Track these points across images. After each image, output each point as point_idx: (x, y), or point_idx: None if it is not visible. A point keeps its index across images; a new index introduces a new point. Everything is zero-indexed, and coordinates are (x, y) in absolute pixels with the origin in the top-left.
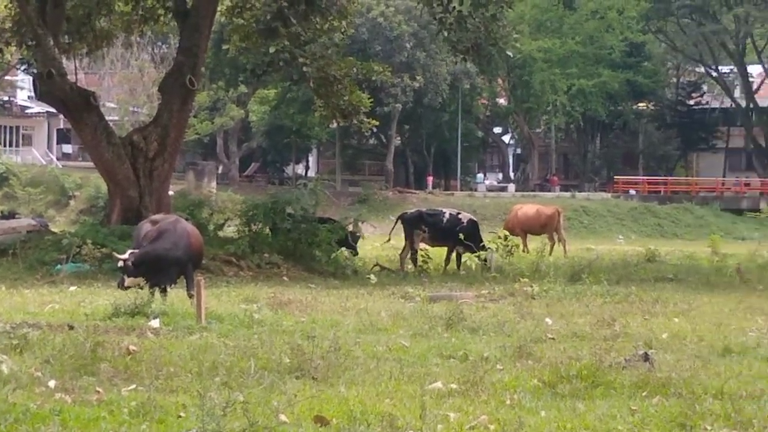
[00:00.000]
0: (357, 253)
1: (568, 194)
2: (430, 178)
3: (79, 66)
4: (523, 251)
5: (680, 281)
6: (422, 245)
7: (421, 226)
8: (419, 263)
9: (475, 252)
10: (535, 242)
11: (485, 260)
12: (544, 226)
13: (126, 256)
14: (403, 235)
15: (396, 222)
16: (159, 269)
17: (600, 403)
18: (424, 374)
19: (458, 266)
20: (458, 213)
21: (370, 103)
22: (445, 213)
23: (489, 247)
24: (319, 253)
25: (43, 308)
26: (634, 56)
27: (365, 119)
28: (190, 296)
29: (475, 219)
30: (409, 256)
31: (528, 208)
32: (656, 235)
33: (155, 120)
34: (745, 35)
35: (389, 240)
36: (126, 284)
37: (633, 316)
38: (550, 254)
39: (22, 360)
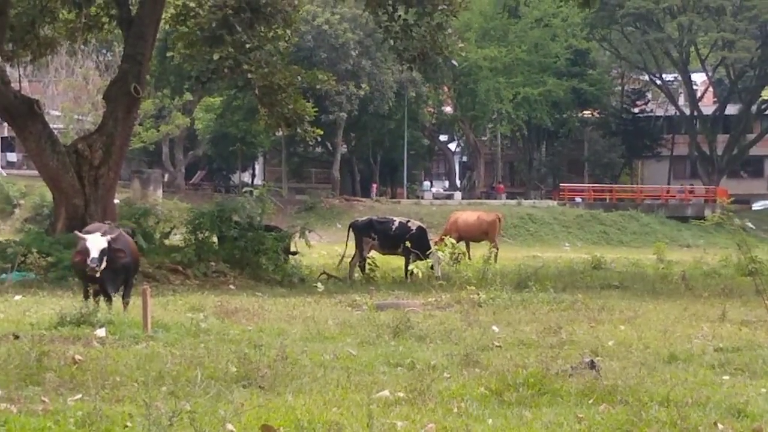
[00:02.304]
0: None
1: (514, 202)
2: (375, 186)
3: (23, 74)
4: (468, 259)
5: (626, 288)
6: (372, 253)
7: (371, 234)
8: (366, 271)
9: (423, 259)
10: (478, 249)
11: (432, 267)
12: (485, 233)
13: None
14: (352, 243)
15: (348, 230)
16: (113, 272)
17: (547, 411)
18: (371, 383)
19: (406, 274)
20: (408, 221)
21: (315, 111)
22: (394, 221)
23: (434, 253)
24: (266, 262)
25: None
26: (578, 64)
27: (309, 128)
28: (125, 304)
29: (423, 226)
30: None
31: (468, 215)
32: (602, 243)
33: (100, 128)
34: (689, 43)
35: (345, 253)
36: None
37: (579, 324)
38: (495, 261)
39: None
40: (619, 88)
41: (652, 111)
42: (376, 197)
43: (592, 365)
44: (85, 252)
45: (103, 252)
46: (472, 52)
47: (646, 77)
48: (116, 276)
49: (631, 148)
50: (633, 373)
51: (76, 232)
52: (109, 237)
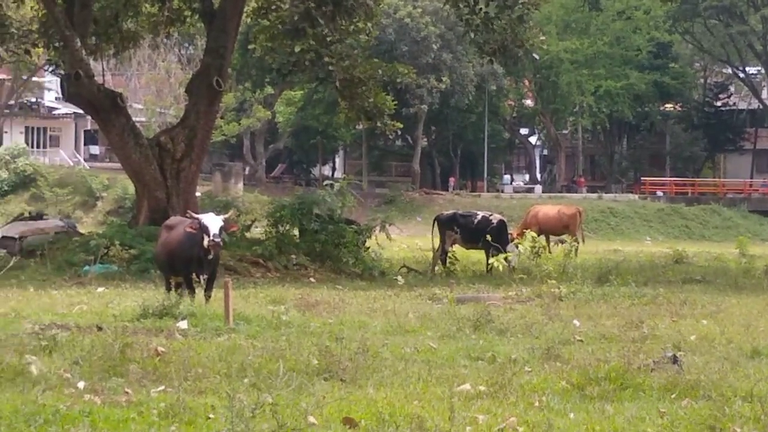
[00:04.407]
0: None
1: (594, 195)
2: (453, 180)
3: (106, 67)
4: (549, 252)
5: (708, 283)
6: (455, 246)
7: (454, 228)
8: (447, 264)
9: (503, 253)
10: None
11: (507, 259)
12: (566, 227)
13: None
14: (435, 237)
15: (433, 224)
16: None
17: (629, 406)
18: (452, 376)
19: (486, 268)
20: (490, 214)
21: (395, 105)
22: (477, 215)
23: (512, 245)
24: (346, 255)
25: (72, 309)
26: (661, 57)
27: (389, 121)
28: (207, 297)
29: (504, 220)
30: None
31: (548, 208)
32: (683, 237)
33: (182, 121)
34: None
35: (438, 248)
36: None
37: (661, 318)
38: (576, 255)
39: (51, 361)
40: (702, 81)
41: (734, 104)
42: (455, 191)
43: (674, 360)
44: (204, 229)
45: (221, 229)
46: (553, 45)
47: (729, 70)
48: (215, 263)
49: (714, 142)
50: (716, 367)
51: (189, 211)
52: (223, 217)
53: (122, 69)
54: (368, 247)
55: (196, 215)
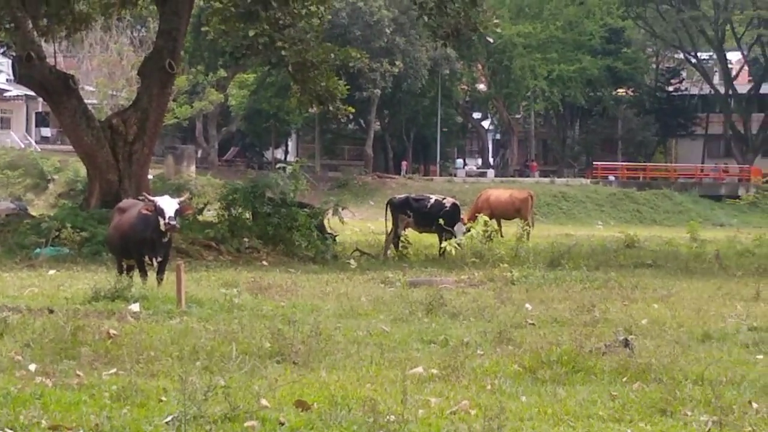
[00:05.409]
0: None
1: (547, 180)
2: (405, 164)
3: (58, 49)
4: (501, 236)
5: (659, 267)
6: (408, 230)
7: (407, 211)
8: (399, 248)
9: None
10: (511, 227)
11: (453, 237)
12: (517, 211)
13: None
14: (388, 220)
15: (386, 208)
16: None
17: (580, 389)
18: (404, 359)
19: (439, 252)
20: (443, 198)
21: (348, 89)
22: (430, 198)
23: (458, 224)
24: (299, 238)
25: (23, 292)
26: (613, 42)
27: (342, 106)
28: (159, 279)
29: (457, 203)
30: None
31: (500, 192)
32: (635, 221)
33: (134, 104)
34: (725, 21)
35: (389, 231)
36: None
37: (613, 302)
38: (528, 239)
39: (2, 344)
40: (654, 66)
41: (686, 89)
42: (408, 175)
43: (625, 343)
44: (159, 212)
45: (176, 212)
46: (506, 29)
47: (681, 56)
48: (167, 246)
49: (665, 127)
50: (667, 351)
51: (145, 194)
52: (178, 200)
53: (74, 51)
54: (335, 236)
55: (151, 198)
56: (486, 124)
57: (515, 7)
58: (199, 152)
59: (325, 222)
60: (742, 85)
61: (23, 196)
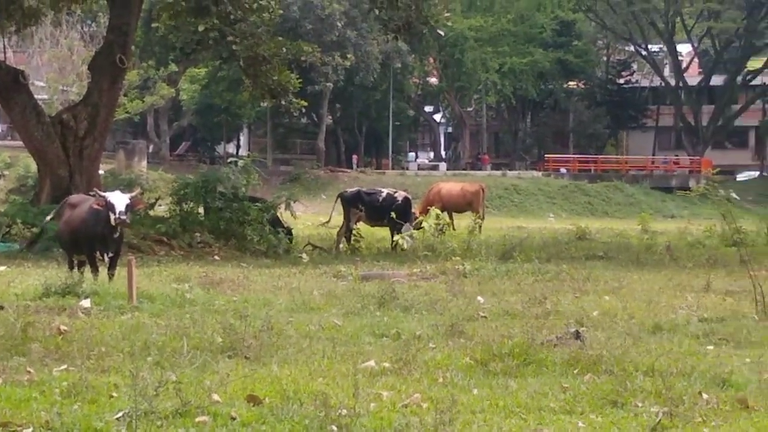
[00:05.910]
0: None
1: (498, 173)
2: (356, 158)
3: (7, 44)
4: (453, 229)
5: (611, 259)
6: (360, 224)
7: (359, 205)
8: (351, 242)
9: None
10: (463, 220)
11: (411, 235)
12: (469, 204)
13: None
14: (336, 213)
15: (336, 201)
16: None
17: (532, 381)
18: (356, 353)
19: (391, 245)
20: (395, 192)
21: (300, 83)
22: (382, 192)
23: (407, 227)
24: (251, 233)
25: None
26: (564, 35)
27: (294, 99)
28: (111, 275)
29: (409, 197)
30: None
31: (451, 185)
32: (587, 214)
33: (85, 99)
34: (675, 14)
35: (329, 221)
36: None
37: (564, 294)
38: (480, 232)
39: None
40: (605, 59)
41: (637, 82)
42: (360, 168)
43: (577, 335)
44: (110, 207)
45: (127, 207)
46: (457, 23)
47: (632, 48)
48: (119, 241)
49: (616, 119)
50: (618, 343)
51: (95, 189)
52: (129, 195)
53: (24, 46)
54: (290, 228)
55: (102, 193)
56: (438, 117)
57: (466, 0)
58: (151, 147)
59: (279, 215)
60: (693, 77)
61: None
